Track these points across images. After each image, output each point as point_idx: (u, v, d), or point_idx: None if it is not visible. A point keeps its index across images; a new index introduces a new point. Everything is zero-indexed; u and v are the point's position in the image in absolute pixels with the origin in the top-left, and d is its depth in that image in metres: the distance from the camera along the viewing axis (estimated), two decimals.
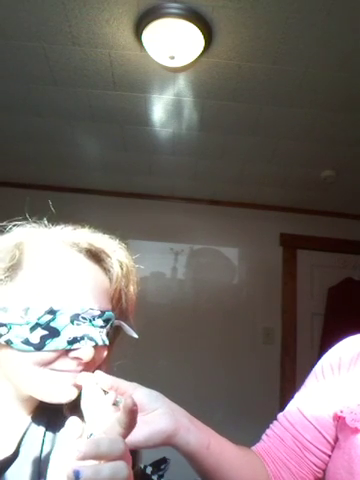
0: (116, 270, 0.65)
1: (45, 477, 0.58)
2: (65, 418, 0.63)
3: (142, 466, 2.20)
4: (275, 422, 0.79)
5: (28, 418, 0.63)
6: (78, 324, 0.57)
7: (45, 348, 0.55)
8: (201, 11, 1.57)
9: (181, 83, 1.98)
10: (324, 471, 0.74)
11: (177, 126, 2.33)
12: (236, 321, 3.03)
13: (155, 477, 2.20)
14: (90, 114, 2.26)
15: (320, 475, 0.74)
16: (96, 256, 0.64)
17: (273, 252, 3.16)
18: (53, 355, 0.56)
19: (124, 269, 0.66)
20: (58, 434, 0.63)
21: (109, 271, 0.65)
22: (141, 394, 0.61)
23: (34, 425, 0.63)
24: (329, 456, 0.73)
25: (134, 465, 0.56)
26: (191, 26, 1.60)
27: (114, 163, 2.79)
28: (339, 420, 0.70)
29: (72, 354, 0.57)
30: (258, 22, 1.60)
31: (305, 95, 1.99)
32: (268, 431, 0.78)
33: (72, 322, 0.56)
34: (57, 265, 0.60)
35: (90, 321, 0.58)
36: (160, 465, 2.27)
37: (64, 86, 2.04)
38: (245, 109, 2.13)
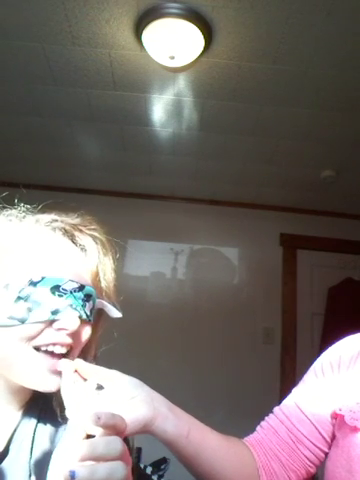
0: (90, 245, 0.66)
1: (36, 475, 0.58)
2: (56, 414, 0.62)
3: (142, 466, 2.20)
4: (270, 415, 0.79)
5: (18, 414, 0.63)
6: (60, 295, 0.57)
7: (29, 320, 0.55)
8: (201, 11, 1.57)
9: (181, 83, 1.98)
10: (317, 466, 0.74)
11: (177, 126, 2.33)
12: (236, 321, 3.02)
13: (155, 477, 2.19)
14: (90, 114, 2.26)
15: (312, 470, 0.73)
16: (70, 233, 0.66)
17: (273, 252, 3.16)
18: (38, 328, 0.56)
19: (99, 243, 0.67)
20: (49, 430, 0.63)
21: (84, 247, 0.66)
22: (121, 382, 0.61)
23: (24, 422, 0.62)
24: (323, 452, 0.73)
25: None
26: (191, 26, 1.60)
27: (114, 163, 2.79)
28: (337, 418, 0.70)
29: (56, 325, 0.57)
30: (258, 22, 1.60)
31: (305, 95, 1.99)
32: (262, 423, 0.78)
33: (53, 293, 0.57)
34: (33, 242, 0.61)
35: (71, 293, 0.58)
36: (160, 465, 2.26)
37: (64, 86, 2.04)
38: (245, 109, 2.13)
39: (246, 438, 0.77)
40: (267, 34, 1.65)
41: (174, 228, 3.15)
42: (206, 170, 2.79)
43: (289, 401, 0.77)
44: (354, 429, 0.66)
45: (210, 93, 2.03)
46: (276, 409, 0.78)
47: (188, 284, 3.13)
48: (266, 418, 0.79)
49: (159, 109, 2.19)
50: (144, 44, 1.69)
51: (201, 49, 1.70)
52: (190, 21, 1.58)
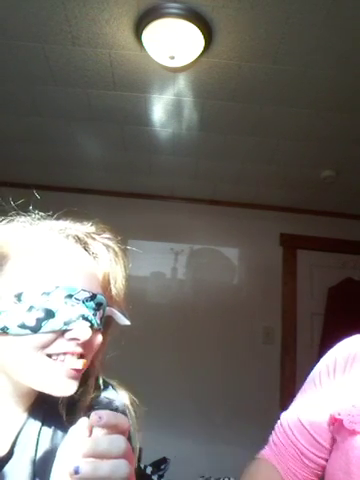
0: (103, 253, 0.66)
1: (40, 477, 0.58)
2: (60, 417, 0.63)
3: (142, 466, 2.20)
4: (280, 427, 0.80)
5: (23, 416, 0.63)
6: (72, 305, 0.57)
7: (42, 330, 0.55)
8: (201, 11, 1.57)
9: (181, 83, 1.98)
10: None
11: (177, 126, 2.33)
12: (236, 321, 3.02)
13: (155, 477, 2.19)
14: (90, 114, 2.26)
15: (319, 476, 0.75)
16: (83, 241, 0.66)
17: (273, 252, 3.16)
18: (50, 337, 0.56)
19: (111, 252, 0.67)
20: (53, 433, 0.63)
21: (96, 255, 0.66)
22: None
23: (29, 424, 0.62)
24: (325, 460, 0.73)
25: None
26: (191, 26, 1.60)
27: (114, 163, 2.79)
28: (336, 422, 0.71)
29: (68, 335, 0.57)
30: (258, 22, 1.60)
31: (305, 95, 1.99)
32: (274, 438, 0.80)
33: (66, 303, 0.57)
34: (46, 250, 0.61)
35: (83, 302, 0.58)
36: (160, 465, 2.26)
37: (64, 86, 2.04)
38: (245, 109, 2.13)
39: (263, 453, 0.79)
40: (267, 34, 1.65)
41: (174, 228, 3.15)
42: (206, 170, 2.79)
43: (292, 413, 0.79)
44: (352, 432, 0.66)
45: (210, 93, 2.03)
46: (284, 422, 0.79)
47: (188, 284, 3.13)
48: (276, 432, 0.80)
49: (159, 109, 2.19)
50: (144, 44, 1.69)
51: (201, 49, 1.70)
52: (190, 21, 1.58)
